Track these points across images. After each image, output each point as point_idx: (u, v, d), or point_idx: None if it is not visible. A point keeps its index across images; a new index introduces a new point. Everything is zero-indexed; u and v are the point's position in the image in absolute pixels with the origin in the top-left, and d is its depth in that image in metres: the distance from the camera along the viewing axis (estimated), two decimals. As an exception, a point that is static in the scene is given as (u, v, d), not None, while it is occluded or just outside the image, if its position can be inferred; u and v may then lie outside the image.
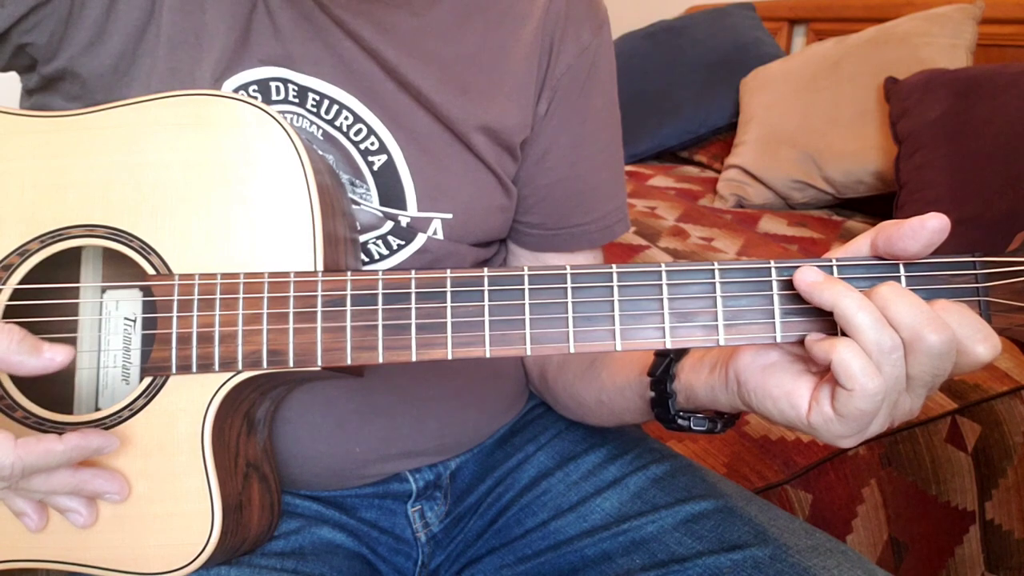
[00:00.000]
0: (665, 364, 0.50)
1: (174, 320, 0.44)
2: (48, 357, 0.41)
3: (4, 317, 0.45)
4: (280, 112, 0.54)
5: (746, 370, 0.43)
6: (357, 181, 0.56)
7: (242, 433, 0.48)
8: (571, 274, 0.42)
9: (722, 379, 0.45)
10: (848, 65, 1.64)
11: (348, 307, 0.43)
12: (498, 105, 0.59)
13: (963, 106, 1.33)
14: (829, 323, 0.40)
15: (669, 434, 0.87)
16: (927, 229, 0.39)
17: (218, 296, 0.44)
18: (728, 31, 2.03)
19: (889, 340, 0.38)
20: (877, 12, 1.80)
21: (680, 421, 0.51)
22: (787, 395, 0.41)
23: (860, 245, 0.42)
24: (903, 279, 0.40)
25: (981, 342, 0.38)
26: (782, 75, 1.79)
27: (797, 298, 0.41)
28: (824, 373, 0.41)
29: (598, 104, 0.64)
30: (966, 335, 0.38)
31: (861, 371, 0.37)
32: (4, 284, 0.45)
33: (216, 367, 0.43)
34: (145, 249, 0.45)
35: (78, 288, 0.49)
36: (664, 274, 0.41)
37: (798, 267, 0.41)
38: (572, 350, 0.41)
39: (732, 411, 0.48)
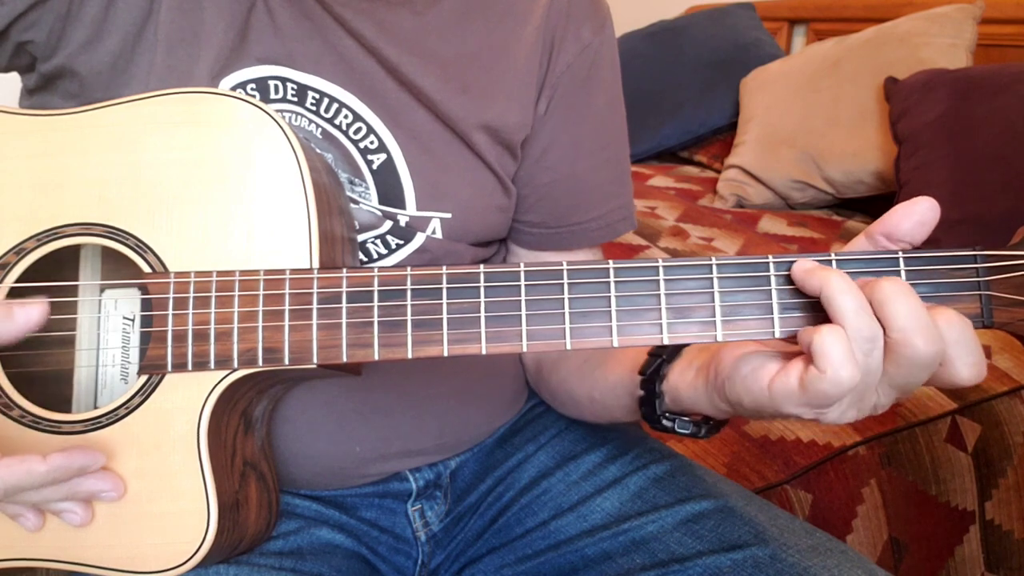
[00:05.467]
0: (656, 364, 0.50)
1: (169, 318, 0.43)
2: (23, 320, 0.40)
3: None
4: (279, 111, 0.54)
5: (724, 360, 0.43)
6: (356, 180, 0.56)
7: (239, 432, 0.48)
8: (567, 270, 0.42)
9: (704, 379, 0.45)
10: (848, 65, 1.64)
11: (344, 304, 0.43)
12: (499, 104, 0.59)
13: (963, 106, 1.33)
14: (826, 318, 0.40)
15: (668, 434, 0.87)
16: (919, 208, 0.39)
17: (213, 294, 0.43)
18: (728, 31, 2.03)
19: (868, 329, 0.37)
20: (877, 12, 1.80)
21: (664, 422, 0.50)
22: (753, 371, 0.40)
23: (859, 244, 0.42)
24: (903, 273, 0.40)
25: (970, 366, 0.37)
26: (782, 75, 1.79)
27: (795, 293, 0.40)
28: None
29: (600, 102, 0.64)
30: (958, 354, 0.37)
31: (840, 357, 0.36)
32: (0, 283, 0.44)
33: (212, 365, 0.43)
34: (141, 247, 0.45)
35: (75, 287, 0.49)
36: (661, 270, 0.41)
37: (796, 262, 0.40)
38: (569, 347, 0.41)
39: (716, 415, 0.47)
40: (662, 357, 0.50)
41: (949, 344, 0.37)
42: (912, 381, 0.38)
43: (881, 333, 0.37)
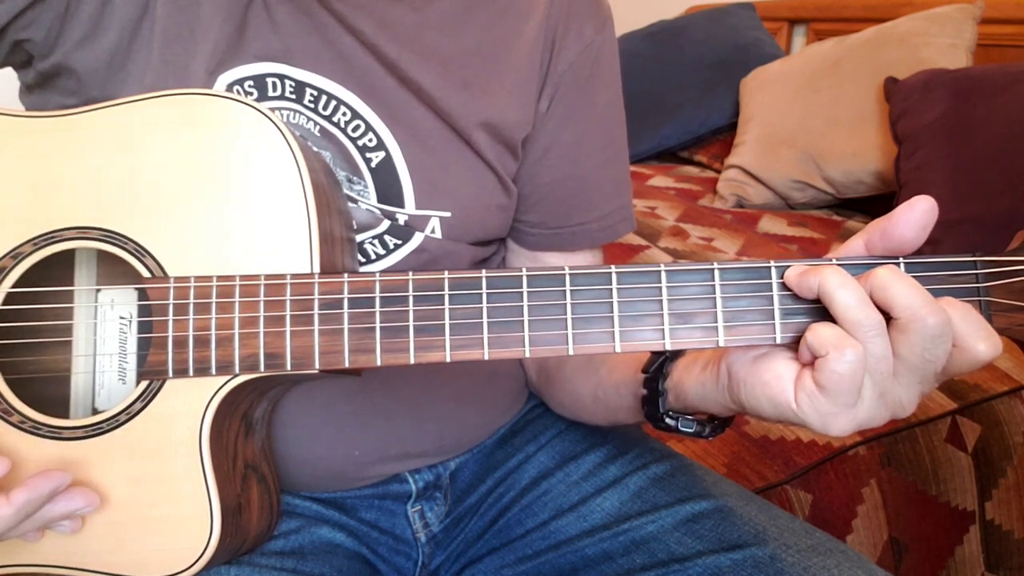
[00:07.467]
0: (660, 361, 0.50)
1: (169, 324, 0.43)
2: None
3: None
4: (277, 108, 0.53)
5: (737, 362, 0.42)
6: (355, 178, 0.56)
7: (240, 434, 0.48)
8: (569, 275, 0.42)
9: (713, 375, 0.44)
10: (848, 65, 1.64)
11: (345, 309, 0.43)
12: (500, 101, 0.58)
13: (963, 106, 1.33)
14: (827, 320, 0.40)
15: (669, 434, 0.87)
16: (918, 211, 0.39)
17: (214, 299, 0.43)
18: (728, 31, 2.03)
19: (869, 318, 0.37)
20: (877, 12, 1.80)
21: (668, 420, 0.50)
22: (777, 378, 0.40)
23: (854, 246, 0.41)
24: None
25: (982, 340, 0.38)
26: (782, 75, 1.79)
27: (797, 298, 0.40)
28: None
29: (601, 101, 0.64)
30: (967, 332, 0.37)
31: (832, 336, 0.37)
32: (-2, 287, 0.44)
33: (213, 371, 0.43)
34: (139, 251, 0.44)
35: (72, 291, 0.49)
36: (663, 275, 0.41)
37: (790, 267, 0.40)
38: (571, 352, 0.41)
39: (722, 412, 0.47)
40: (665, 354, 0.50)
41: (956, 323, 0.37)
42: (928, 359, 0.37)
43: (883, 321, 0.37)
